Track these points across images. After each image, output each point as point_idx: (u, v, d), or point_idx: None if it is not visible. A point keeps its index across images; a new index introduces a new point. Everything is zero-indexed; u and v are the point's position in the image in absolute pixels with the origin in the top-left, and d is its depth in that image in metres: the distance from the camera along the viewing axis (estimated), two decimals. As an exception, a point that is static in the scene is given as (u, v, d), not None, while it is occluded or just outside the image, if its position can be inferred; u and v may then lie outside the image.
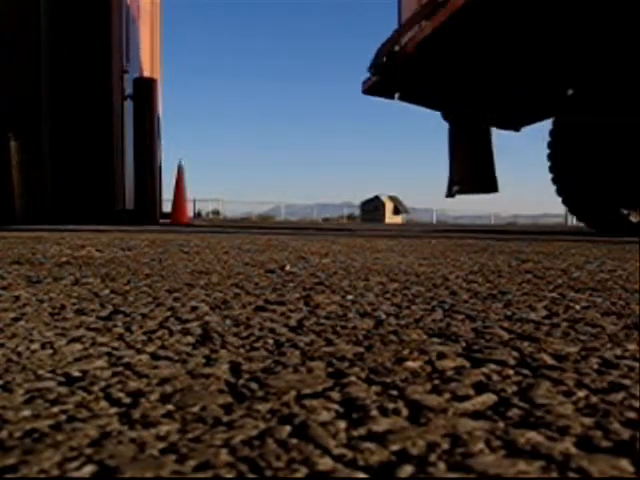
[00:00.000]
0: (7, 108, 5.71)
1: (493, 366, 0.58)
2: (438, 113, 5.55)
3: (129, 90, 6.66)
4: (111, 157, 6.42)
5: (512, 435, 0.40)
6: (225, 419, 0.43)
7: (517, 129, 5.93)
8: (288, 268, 1.52)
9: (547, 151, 5.65)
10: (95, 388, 0.50)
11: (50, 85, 6.10)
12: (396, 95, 5.23)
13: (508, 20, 3.91)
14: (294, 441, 0.39)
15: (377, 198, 37.13)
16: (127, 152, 6.83)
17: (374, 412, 0.44)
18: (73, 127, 6.27)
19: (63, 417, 0.43)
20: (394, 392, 0.49)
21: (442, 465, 0.36)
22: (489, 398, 0.48)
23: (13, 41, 5.82)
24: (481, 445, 0.39)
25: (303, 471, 0.35)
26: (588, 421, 0.43)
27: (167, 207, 7.71)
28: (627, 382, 0.53)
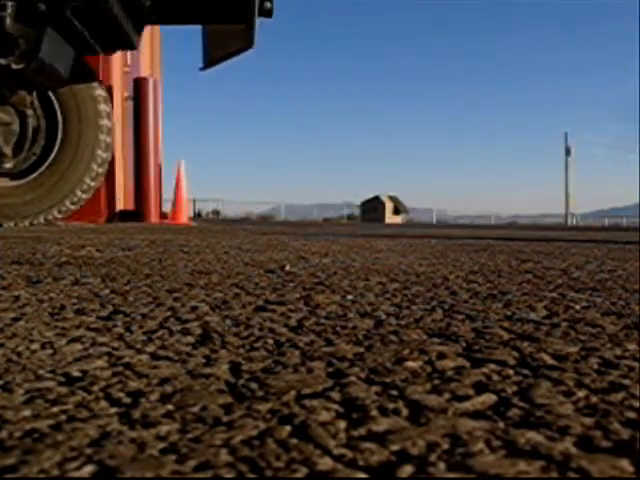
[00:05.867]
0: None
1: (493, 366, 0.58)
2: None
3: (130, 90, 6.66)
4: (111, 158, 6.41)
5: (512, 435, 0.40)
6: (225, 419, 0.43)
7: None
8: (288, 268, 1.52)
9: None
10: (95, 388, 0.50)
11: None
12: None
13: None
14: (294, 441, 0.39)
15: (377, 198, 37.09)
16: (128, 152, 6.82)
17: (374, 412, 0.44)
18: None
19: (63, 417, 0.43)
20: (394, 392, 0.49)
21: (442, 465, 0.36)
22: (489, 398, 0.48)
23: None
24: (481, 445, 0.39)
25: (303, 471, 0.35)
26: (588, 421, 0.43)
27: (166, 207, 7.73)
28: (627, 382, 0.53)
